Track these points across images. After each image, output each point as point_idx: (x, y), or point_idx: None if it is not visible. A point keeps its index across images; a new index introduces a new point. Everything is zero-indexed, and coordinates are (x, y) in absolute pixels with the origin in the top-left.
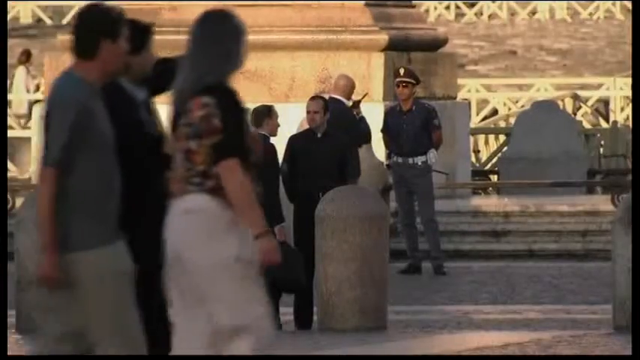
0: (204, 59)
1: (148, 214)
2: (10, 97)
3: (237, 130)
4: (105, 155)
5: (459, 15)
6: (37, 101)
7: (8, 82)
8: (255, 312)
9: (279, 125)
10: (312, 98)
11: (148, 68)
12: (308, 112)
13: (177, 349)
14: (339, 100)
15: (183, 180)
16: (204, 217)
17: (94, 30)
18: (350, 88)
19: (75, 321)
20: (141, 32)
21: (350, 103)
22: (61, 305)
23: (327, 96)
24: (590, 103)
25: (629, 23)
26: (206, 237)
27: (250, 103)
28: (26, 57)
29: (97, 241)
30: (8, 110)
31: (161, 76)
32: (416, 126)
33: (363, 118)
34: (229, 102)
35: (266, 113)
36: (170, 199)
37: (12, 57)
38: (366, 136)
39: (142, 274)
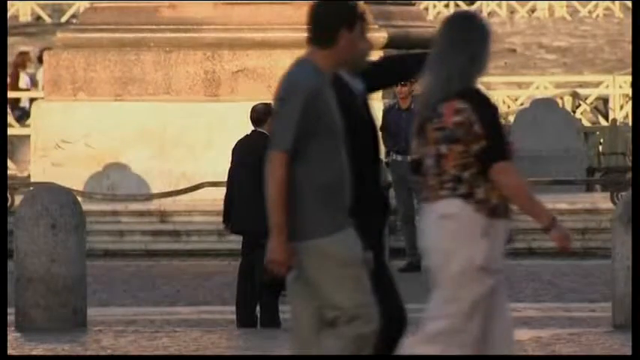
0: (451, 63)
1: (363, 204)
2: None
3: (500, 134)
4: (336, 143)
5: None
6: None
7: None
8: (472, 328)
9: None
10: None
11: (365, 58)
12: None
13: None
14: None
15: (435, 185)
16: (458, 223)
17: (334, 19)
18: None
19: (314, 302)
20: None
21: None
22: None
23: None
24: (589, 100)
25: (628, 21)
26: (456, 242)
27: (249, 101)
28: None
29: (328, 229)
30: None
31: (382, 74)
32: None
33: None
34: (485, 106)
35: (266, 112)
36: (423, 204)
37: (11, 55)
38: None
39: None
